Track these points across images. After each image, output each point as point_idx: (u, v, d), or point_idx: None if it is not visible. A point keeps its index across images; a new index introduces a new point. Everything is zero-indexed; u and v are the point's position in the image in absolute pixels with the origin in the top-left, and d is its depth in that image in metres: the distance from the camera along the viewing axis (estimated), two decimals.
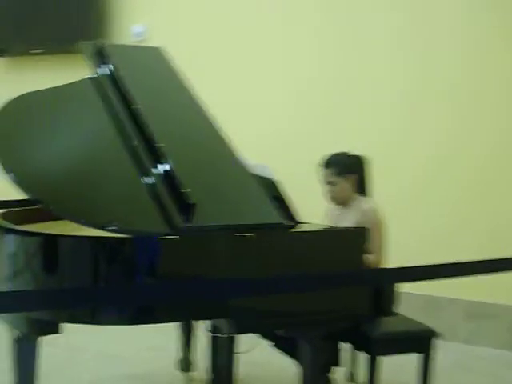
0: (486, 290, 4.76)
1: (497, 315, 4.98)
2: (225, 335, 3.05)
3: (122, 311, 2.57)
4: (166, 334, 4.05)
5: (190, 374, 4.08)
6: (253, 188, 2.89)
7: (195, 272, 2.57)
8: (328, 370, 3.67)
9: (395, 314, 3.14)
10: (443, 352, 4.78)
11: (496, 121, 4.96)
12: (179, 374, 4.10)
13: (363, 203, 3.62)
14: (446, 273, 2.58)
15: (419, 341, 3.46)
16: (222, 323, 2.78)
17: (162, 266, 2.53)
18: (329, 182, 3.63)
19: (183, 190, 2.65)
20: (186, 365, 4.06)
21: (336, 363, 3.65)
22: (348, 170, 3.61)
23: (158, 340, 4.49)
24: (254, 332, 2.88)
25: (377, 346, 3.33)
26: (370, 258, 3.41)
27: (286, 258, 2.77)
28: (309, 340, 2.93)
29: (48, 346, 2.99)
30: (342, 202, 3.67)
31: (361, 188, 3.71)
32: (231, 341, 3.40)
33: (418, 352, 3.47)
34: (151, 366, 4.33)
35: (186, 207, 2.62)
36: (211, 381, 3.54)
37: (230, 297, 2.41)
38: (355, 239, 2.99)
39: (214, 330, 3.25)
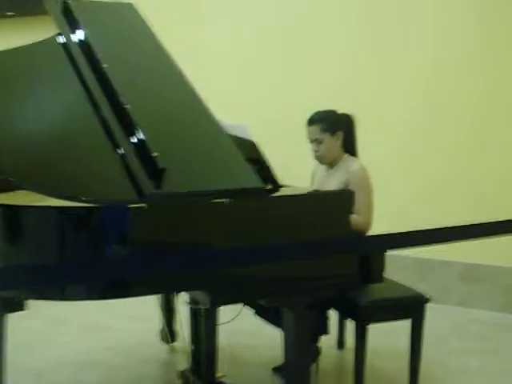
0: (480, 251, 4.61)
1: (490, 277, 4.84)
2: (203, 307, 2.89)
3: (91, 286, 2.39)
4: (150, 303, 3.91)
5: (173, 344, 3.94)
6: (230, 150, 2.69)
7: (168, 242, 2.38)
8: (316, 340, 3.54)
9: (383, 280, 2.97)
10: (437, 315, 4.68)
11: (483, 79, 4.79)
12: (163, 345, 3.97)
13: (351, 163, 3.44)
14: (436, 238, 2.41)
15: (409, 307, 3.31)
16: (200, 295, 2.61)
17: (131, 235, 2.33)
18: (315, 140, 3.44)
19: (152, 155, 2.45)
20: (168, 335, 3.92)
21: (324, 331, 3.51)
22: (334, 127, 3.42)
23: (142, 309, 4.33)
24: (233, 303, 2.72)
25: (364, 313, 3.18)
26: (356, 219, 3.24)
27: (268, 224, 2.58)
28: (293, 309, 2.76)
29: (31, 319, 2.84)
30: (328, 161, 3.49)
31: (348, 147, 3.54)
32: (212, 312, 3.25)
33: (408, 318, 3.32)
34: (135, 336, 4.20)
35: (156, 173, 2.43)
36: (191, 352, 3.39)
37: (206, 268, 2.23)
38: (341, 202, 2.80)
39: (193, 302, 3.09)
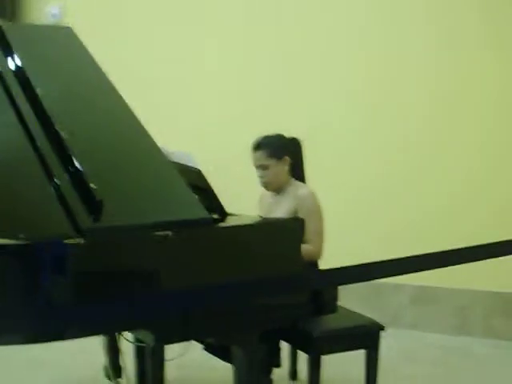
0: (431, 273, 4.53)
1: (442, 299, 4.80)
2: (149, 345, 2.74)
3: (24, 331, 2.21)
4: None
5: (117, 380, 3.74)
6: (173, 180, 2.56)
7: (107, 280, 2.23)
8: (268, 372, 3.41)
9: (336, 311, 2.86)
10: (388, 340, 4.59)
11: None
12: (108, 382, 3.78)
13: (299, 188, 3.33)
14: (390, 270, 2.33)
15: (364, 337, 3.22)
16: (143, 334, 2.45)
17: (67, 273, 2.17)
18: (260, 166, 3.32)
19: (89, 186, 2.30)
20: (112, 372, 3.73)
21: (276, 364, 3.39)
22: (281, 152, 3.31)
23: (87, 343, 4.13)
24: (178, 342, 2.57)
25: (317, 345, 3.08)
26: (307, 248, 3.13)
27: (214, 257, 2.45)
28: (242, 346, 2.62)
29: None
30: (275, 187, 3.38)
31: (296, 172, 3.43)
32: (158, 349, 3.09)
33: (363, 348, 3.22)
34: (79, 372, 3.99)
35: (94, 206, 2.27)
36: None
37: (148, 310, 2.08)
38: (291, 231, 2.69)
39: (137, 340, 2.93)
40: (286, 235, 2.65)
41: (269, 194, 3.48)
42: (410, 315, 4.88)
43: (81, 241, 2.17)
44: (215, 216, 2.79)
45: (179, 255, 2.38)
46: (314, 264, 3.28)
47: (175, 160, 2.85)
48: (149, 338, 2.39)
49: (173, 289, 2.30)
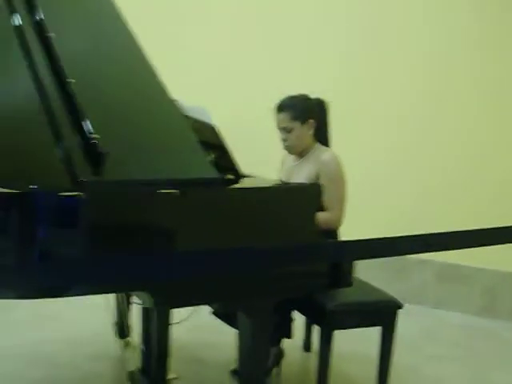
0: (459, 251, 4.34)
1: (469, 279, 4.60)
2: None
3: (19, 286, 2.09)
4: None
5: (126, 339, 3.66)
6: (185, 136, 2.40)
7: (106, 235, 2.10)
8: (278, 342, 3.28)
9: (352, 284, 2.70)
10: (411, 318, 4.44)
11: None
12: (116, 339, 3.69)
13: (322, 153, 3.15)
14: (413, 247, 2.15)
15: (379, 314, 3.05)
16: (143, 296, 2.32)
17: (63, 226, 2.05)
18: (283, 128, 3.14)
19: (92, 138, 2.15)
20: (120, 330, 3.65)
21: (287, 335, 3.25)
22: (306, 115, 3.12)
23: (97, 297, 4.06)
24: (180, 307, 2.43)
25: (330, 319, 2.92)
26: (325, 216, 2.97)
27: (222, 219, 2.31)
28: (250, 315, 2.48)
29: None
30: (298, 151, 3.20)
31: (320, 136, 3.24)
32: (164, 311, 2.97)
33: (379, 325, 3.06)
34: (87, 327, 3.91)
35: (96, 159, 2.13)
36: (141, 353, 3.12)
37: (147, 271, 1.93)
38: (307, 197, 2.52)
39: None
40: (302, 201, 2.49)
41: (291, 157, 3.31)
42: (434, 293, 4.69)
43: (78, 193, 2.03)
44: (230, 176, 2.64)
45: (185, 215, 2.24)
46: (333, 233, 3.11)
47: (191, 115, 2.70)
48: (148, 301, 2.25)
49: (176, 250, 2.16)
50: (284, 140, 3.15)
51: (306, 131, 3.13)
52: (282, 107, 3.12)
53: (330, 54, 4.85)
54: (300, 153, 3.21)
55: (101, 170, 2.12)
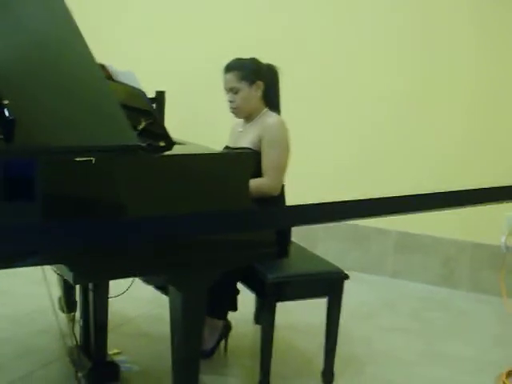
0: (419, 220, 4.28)
1: (428, 248, 4.53)
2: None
3: None
4: None
5: (71, 314, 3.54)
6: (106, 100, 2.27)
7: (14, 206, 1.98)
8: (223, 316, 3.20)
9: (288, 255, 2.60)
10: (368, 287, 4.39)
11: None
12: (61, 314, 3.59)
13: (268, 117, 3.07)
14: (357, 212, 2.04)
15: (324, 284, 2.97)
16: (62, 270, 2.21)
17: None
18: (230, 89, 3.06)
19: (2, 102, 2.02)
20: (66, 304, 3.53)
21: (232, 307, 3.17)
22: (254, 76, 3.05)
23: (47, 272, 3.96)
24: (103, 281, 2.34)
25: (272, 290, 2.84)
26: (259, 182, 2.90)
27: (144, 187, 2.20)
28: (180, 287, 2.38)
29: None
30: (245, 114, 3.13)
31: (270, 101, 3.16)
32: (102, 285, 2.88)
33: (323, 297, 2.98)
34: (33, 302, 3.79)
35: (6, 125, 2.00)
36: (80, 328, 3.03)
37: (61, 242, 1.82)
38: (238, 164, 2.42)
39: None
40: (231, 168, 2.38)
41: (240, 123, 3.24)
42: (393, 262, 4.63)
43: None
44: (161, 144, 2.53)
45: (106, 183, 2.13)
46: (277, 200, 3.02)
47: (121, 80, 2.58)
48: (68, 276, 2.14)
49: (94, 219, 2.04)
50: (231, 102, 3.08)
51: (254, 93, 3.05)
52: (230, 67, 3.06)
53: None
54: (247, 117, 3.14)
55: (9, 137, 1.99)
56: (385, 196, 1.90)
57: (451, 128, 4.40)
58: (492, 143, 4.31)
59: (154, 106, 4.30)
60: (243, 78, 3.03)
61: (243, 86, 3.04)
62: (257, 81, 3.05)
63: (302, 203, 1.73)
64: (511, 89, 4.25)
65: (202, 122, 4.74)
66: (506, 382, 3.10)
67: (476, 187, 2.01)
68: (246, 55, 3.11)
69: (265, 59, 3.14)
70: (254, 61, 3.11)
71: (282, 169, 3.00)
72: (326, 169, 4.64)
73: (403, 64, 4.47)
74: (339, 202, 1.85)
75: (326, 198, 1.75)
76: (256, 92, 3.06)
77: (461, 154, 4.38)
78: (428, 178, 4.30)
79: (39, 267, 2.54)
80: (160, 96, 4.45)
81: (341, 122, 4.64)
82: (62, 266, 2.15)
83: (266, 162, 2.94)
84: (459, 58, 4.35)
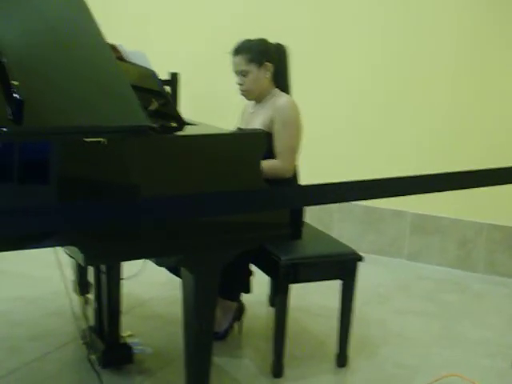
0: (434, 202, 4.23)
1: (445, 230, 4.49)
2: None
3: None
4: None
5: (86, 296, 3.56)
6: (116, 81, 2.25)
7: (28, 185, 1.98)
8: (236, 298, 3.19)
9: (301, 237, 2.57)
10: (383, 270, 4.36)
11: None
12: (76, 297, 3.59)
13: (279, 98, 3.03)
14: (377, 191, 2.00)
15: (338, 266, 2.95)
16: (75, 253, 2.20)
17: None
18: (239, 72, 3.03)
19: (12, 83, 2.00)
20: (80, 287, 3.55)
21: (246, 289, 3.16)
22: (262, 58, 3.01)
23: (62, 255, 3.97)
24: (115, 262, 2.33)
25: (284, 272, 2.82)
26: (273, 164, 2.89)
27: (158, 168, 2.18)
28: (192, 268, 2.37)
29: None
30: (254, 95, 3.09)
31: (279, 81, 3.12)
32: (114, 266, 2.87)
33: (337, 279, 2.96)
34: (48, 285, 3.79)
35: (16, 105, 1.99)
36: (94, 310, 3.03)
37: (75, 223, 1.80)
38: (249, 145, 2.39)
39: None
40: (243, 148, 2.36)
41: (250, 104, 3.20)
42: (409, 245, 4.59)
43: None
44: (173, 124, 2.51)
45: (117, 164, 2.11)
46: (291, 181, 3.00)
47: (132, 60, 2.55)
48: (79, 258, 2.13)
49: (107, 200, 2.03)
50: (240, 84, 3.05)
51: (263, 74, 3.02)
52: (238, 50, 3.02)
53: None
54: (257, 98, 3.10)
55: (18, 117, 1.98)
56: (398, 176, 1.88)
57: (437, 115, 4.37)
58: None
59: (169, 87, 4.30)
60: (252, 61, 2.99)
61: (252, 69, 3.00)
62: (265, 62, 3.01)
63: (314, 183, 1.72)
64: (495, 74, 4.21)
65: (215, 104, 4.70)
66: None
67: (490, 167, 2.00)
68: (256, 35, 3.06)
69: (275, 38, 3.09)
70: (262, 42, 3.06)
71: (294, 150, 2.97)
72: (337, 149, 4.60)
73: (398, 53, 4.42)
74: (352, 182, 1.83)
75: (338, 177, 1.73)
76: (265, 74, 3.03)
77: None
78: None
79: (52, 250, 2.54)
80: (174, 77, 4.44)
81: (350, 97, 4.59)
82: (74, 248, 2.14)
83: (279, 144, 2.91)
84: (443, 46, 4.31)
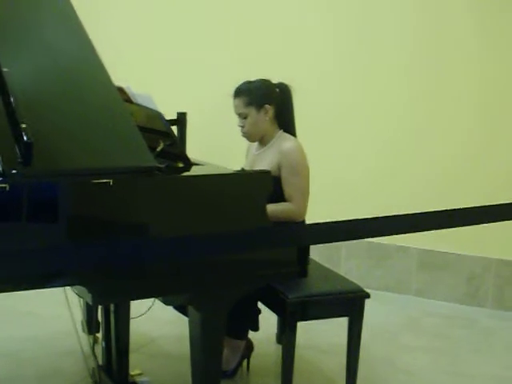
0: (441, 237, 4.22)
1: (452, 266, 4.49)
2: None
3: None
4: None
5: (95, 335, 3.56)
6: (123, 124, 2.30)
7: (34, 228, 2.01)
8: (243, 336, 3.20)
9: (307, 275, 2.60)
10: (391, 306, 4.35)
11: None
12: (85, 336, 3.61)
13: (284, 142, 3.05)
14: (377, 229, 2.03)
15: (345, 304, 2.95)
16: (83, 292, 2.23)
17: None
18: (239, 114, 3.05)
19: (21, 126, 2.05)
20: (89, 326, 3.55)
21: (253, 327, 3.17)
22: (261, 100, 3.01)
23: (71, 294, 3.99)
24: (122, 302, 2.35)
25: (292, 310, 2.83)
26: (287, 207, 2.90)
27: (162, 208, 2.21)
28: (198, 306, 2.39)
29: None
30: (256, 138, 3.12)
31: (284, 123, 3.13)
32: (123, 305, 2.90)
33: (344, 316, 2.97)
34: (58, 324, 3.81)
35: (25, 148, 2.04)
36: (103, 349, 3.04)
37: (80, 264, 1.84)
38: (255, 186, 2.42)
39: None
40: (249, 189, 2.40)
41: (255, 146, 3.22)
42: (416, 281, 4.59)
43: (4, 186, 1.94)
44: (179, 165, 2.55)
45: (125, 205, 2.15)
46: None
47: (140, 102, 2.61)
48: (87, 297, 2.16)
49: (113, 240, 2.07)
50: (241, 127, 3.07)
51: (263, 117, 3.03)
52: (238, 92, 3.04)
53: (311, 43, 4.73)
54: (261, 140, 3.13)
55: (29, 161, 2.03)
56: (406, 213, 1.90)
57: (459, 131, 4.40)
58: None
59: (176, 127, 4.35)
60: (250, 103, 3.00)
61: (250, 112, 3.01)
62: (265, 105, 3.01)
63: (319, 221, 1.75)
64: None
65: (221, 144, 4.75)
66: None
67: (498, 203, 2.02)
68: (260, 75, 3.09)
69: (280, 77, 3.12)
70: (262, 83, 3.07)
71: (306, 194, 2.99)
72: (342, 185, 4.63)
73: (411, 73, 4.47)
74: (358, 220, 1.85)
75: (344, 213, 1.76)
76: (265, 116, 3.03)
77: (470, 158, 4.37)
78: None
79: (61, 289, 2.57)
80: (181, 117, 4.49)
81: (355, 137, 4.63)
82: (82, 288, 2.17)
83: (290, 190, 2.92)
84: (464, 63, 4.35)
